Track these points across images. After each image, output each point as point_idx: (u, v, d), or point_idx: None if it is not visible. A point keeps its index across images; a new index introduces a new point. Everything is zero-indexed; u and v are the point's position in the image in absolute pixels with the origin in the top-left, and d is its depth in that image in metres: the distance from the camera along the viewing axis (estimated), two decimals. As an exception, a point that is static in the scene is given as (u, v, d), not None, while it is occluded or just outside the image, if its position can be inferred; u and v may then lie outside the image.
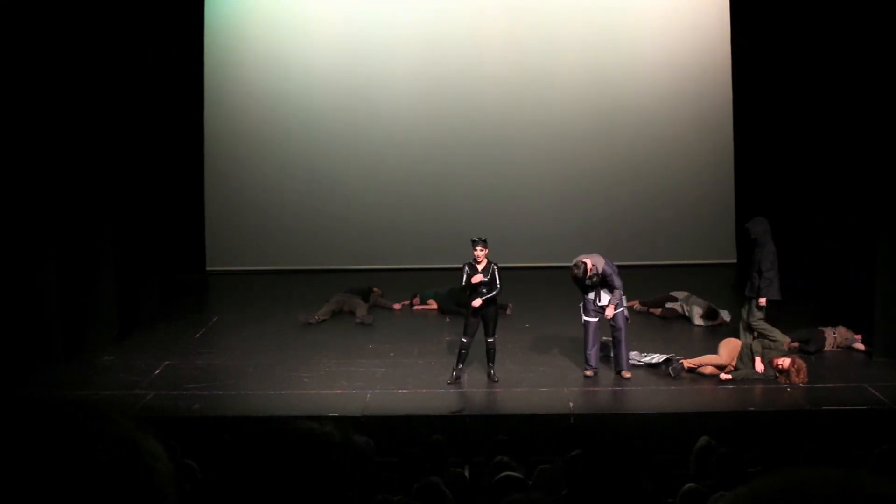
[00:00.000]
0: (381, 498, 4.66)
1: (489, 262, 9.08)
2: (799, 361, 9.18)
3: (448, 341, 10.57)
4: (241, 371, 9.73)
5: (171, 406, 8.73)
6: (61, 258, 9.71)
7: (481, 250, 9.05)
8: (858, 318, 10.23)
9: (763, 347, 9.39)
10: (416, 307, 12.34)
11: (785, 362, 9.13)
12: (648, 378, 9.40)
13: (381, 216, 14.43)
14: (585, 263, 9.11)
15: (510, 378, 9.35)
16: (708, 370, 9.30)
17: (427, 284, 12.58)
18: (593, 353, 9.35)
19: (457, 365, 9.27)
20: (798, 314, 10.99)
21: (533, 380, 9.35)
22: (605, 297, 9.23)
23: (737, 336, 9.83)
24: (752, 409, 8.68)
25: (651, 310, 11.86)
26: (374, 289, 12.56)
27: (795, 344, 10.07)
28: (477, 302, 9.01)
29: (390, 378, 9.42)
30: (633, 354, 9.65)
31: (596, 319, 9.30)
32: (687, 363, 9.32)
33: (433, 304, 12.27)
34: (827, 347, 10.19)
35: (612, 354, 9.50)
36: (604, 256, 9.32)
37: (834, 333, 10.28)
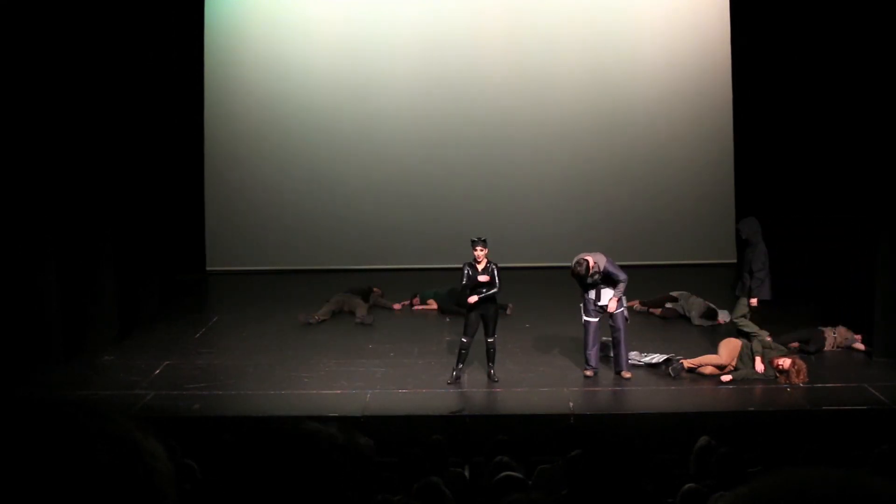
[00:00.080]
0: (381, 498, 4.66)
1: (489, 262, 9.08)
2: (799, 362, 9.18)
3: (448, 341, 10.57)
4: (241, 371, 9.73)
5: (171, 406, 8.73)
6: (61, 258, 9.71)
7: (481, 250, 9.05)
8: (858, 318, 10.23)
9: (763, 347, 9.39)
10: (416, 307, 12.34)
11: (785, 362, 9.13)
12: (648, 378, 9.40)
13: (381, 216, 14.43)
14: (587, 261, 9.11)
15: (510, 378, 9.35)
16: (708, 370, 9.30)
17: (427, 284, 12.58)
18: (593, 353, 9.35)
19: (457, 365, 9.27)
20: (798, 314, 11.00)
21: (533, 380, 9.35)
22: (605, 297, 9.23)
23: (736, 336, 9.84)
24: (752, 409, 8.68)
25: (651, 310, 11.86)
26: (374, 289, 12.56)
27: (795, 344, 10.08)
28: (473, 298, 9.02)
29: (390, 378, 9.42)
30: (633, 354, 9.65)
31: (596, 319, 9.30)
32: (687, 363, 9.32)
33: (433, 304, 12.27)
34: (827, 347, 10.19)
35: (611, 354, 9.50)
36: (605, 255, 9.33)
37: (834, 333, 10.28)
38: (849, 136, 11.36)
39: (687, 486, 5.29)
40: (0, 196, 9.33)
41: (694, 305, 11.54)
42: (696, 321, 11.38)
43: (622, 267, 9.39)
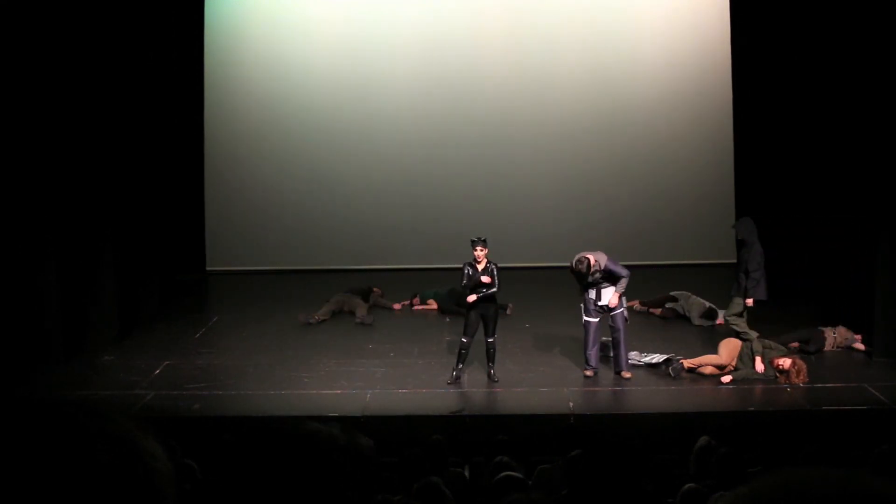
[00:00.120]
0: (381, 498, 4.66)
1: (489, 262, 9.08)
2: (799, 362, 9.17)
3: (448, 341, 10.57)
4: (241, 371, 9.73)
5: (171, 406, 8.73)
6: (61, 258, 9.71)
7: (481, 250, 9.05)
8: (858, 318, 10.23)
9: (763, 347, 9.39)
10: (416, 307, 12.34)
11: (785, 363, 9.13)
12: (648, 378, 9.40)
13: (381, 216, 14.43)
14: (588, 259, 9.11)
15: (510, 378, 9.35)
16: (708, 370, 9.29)
17: (427, 284, 12.58)
18: (593, 353, 9.35)
19: (457, 365, 9.27)
20: (798, 314, 11.01)
21: (533, 380, 9.34)
22: (605, 296, 9.23)
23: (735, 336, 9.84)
24: (752, 409, 8.68)
25: (651, 310, 11.86)
26: (374, 289, 12.56)
27: (795, 344, 10.09)
28: (471, 298, 9.02)
29: (390, 378, 9.42)
30: (633, 354, 9.65)
31: (596, 320, 9.30)
32: (687, 363, 9.32)
33: (433, 304, 12.27)
34: (827, 347, 10.19)
35: (611, 355, 9.50)
36: (606, 254, 9.32)
37: (834, 333, 10.28)
38: (849, 136, 11.36)
39: (687, 486, 5.29)
40: (0, 196, 9.33)
41: (694, 305, 11.54)
42: (696, 321, 11.39)
43: (623, 266, 9.38)
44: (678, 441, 7.24)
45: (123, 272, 10.90)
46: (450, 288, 11.76)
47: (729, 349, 9.41)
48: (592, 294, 9.26)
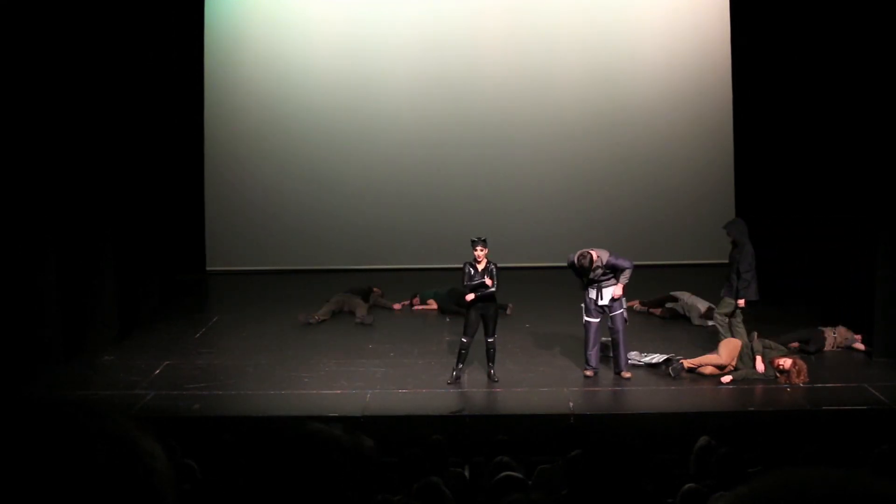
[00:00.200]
0: (381, 498, 4.66)
1: (489, 262, 9.08)
2: (800, 362, 9.17)
3: (448, 341, 10.57)
4: (241, 371, 9.73)
5: (171, 406, 8.73)
6: (61, 258, 9.71)
7: (481, 250, 9.06)
8: (858, 318, 10.23)
9: (764, 347, 9.39)
10: (416, 307, 12.34)
11: (786, 363, 9.13)
12: (648, 378, 9.40)
13: (381, 216, 14.44)
14: (591, 254, 9.12)
15: (510, 378, 9.35)
16: (708, 370, 9.29)
17: (427, 284, 12.58)
18: (594, 353, 9.35)
19: (457, 365, 9.27)
20: (798, 314, 11.01)
21: (533, 380, 9.34)
22: (607, 296, 9.22)
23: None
24: (752, 409, 8.67)
25: (651, 310, 11.86)
26: (374, 289, 12.56)
27: (795, 344, 10.09)
28: (470, 296, 9.02)
29: (390, 378, 9.42)
30: (633, 354, 9.66)
31: (597, 320, 9.30)
32: (687, 363, 9.32)
33: (433, 304, 12.27)
34: (827, 347, 10.19)
35: (611, 355, 9.50)
36: (609, 250, 9.32)
37: (834, 333, 10.28)
38: (848, 136, 11.36)
39: (687, 486, 5.29)
40: (0, 196, 9.33)
41: (694, 305, 11.54)
42: (696, 321, 11.38)
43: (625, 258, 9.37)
44: (678, 441, 7.24)
45: (123, 272, 10.90)
46: (450, 288, 11.76)
47: (729, 349, 9.41)
48: (593, 294, 9.26)
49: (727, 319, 9.88)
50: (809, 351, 10.03)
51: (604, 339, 9.57)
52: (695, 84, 14.37)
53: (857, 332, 10.27)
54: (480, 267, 9.06)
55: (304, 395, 9.03)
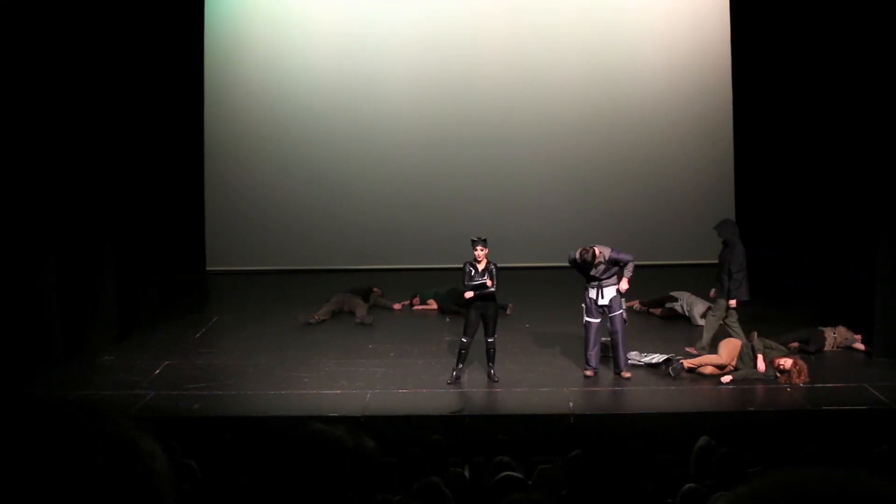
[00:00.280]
0: (381, 498, 4.66)
1: (489, 262, 9.09)
2: (800, 362, 9.17)
3: (448, 341, 10.57)
4: (241, 371, 9.73)
5: (171, 406, 8.73)
6: (61, 258, 9.71)
7: (481, 250, 9.06)
8: (858, 318, 10.23)
9: (764, 347, 9.39)
10: (416, 307, 12.34)
11: (787, 363, 9.13)
12: (648, 378, 9.40)
13: (381, 216, 14.44)
14: (593, 249, 9.12)
15: (510, 378, 9.35)
16: (708, 370, 9.29)
17: (427, 284, 12.58)
18: (594, 353, 9.35)
19: (457, 365, 9.27)
20: (798, 314, 11.00)
21: (533, 380, 9.34)
22: (607, 296, 9.22)
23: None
24: (752, 409, 8.67)
25: (651, 310, 11.86)
26: (374, 289, 12.56)
27: (795, 344, 10.09)
28: (468, 294, 9.03)
29: (390, 378, 9.42)
30: (633, 354, 9.65)
31: (597, 320, 9.30)
32: (687, 363, 9.32)
33: (433, 304, 12.27)
34: (827, 347, 10.19)
35: (611, 355, 9.50)
36: (610, 247, 9.32)
37: (834, 333, 10.28)
38: (848, 136, 11.36)
39: (687, 486, 5.29)
40: (0, 196, 9.33)
41: (694, 306, 11.53)
42: (697, 321, 11.38)
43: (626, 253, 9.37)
44: (678, 441, 7.24)
45: (123, 272, 10.89)
46: (450, 288, 11.76)
47: (729, 349, 9.41)
48: (593, 294, 9.25)
49: (720, 321, 9.86)
50: (809, 351, 10.03)
51: (604, 339, 9.57)
52: (695, 84, 14.37)
53: (857, 332, 10.27)
54: (481, 267, 9.06)
55: (304, 395, 9.03)
